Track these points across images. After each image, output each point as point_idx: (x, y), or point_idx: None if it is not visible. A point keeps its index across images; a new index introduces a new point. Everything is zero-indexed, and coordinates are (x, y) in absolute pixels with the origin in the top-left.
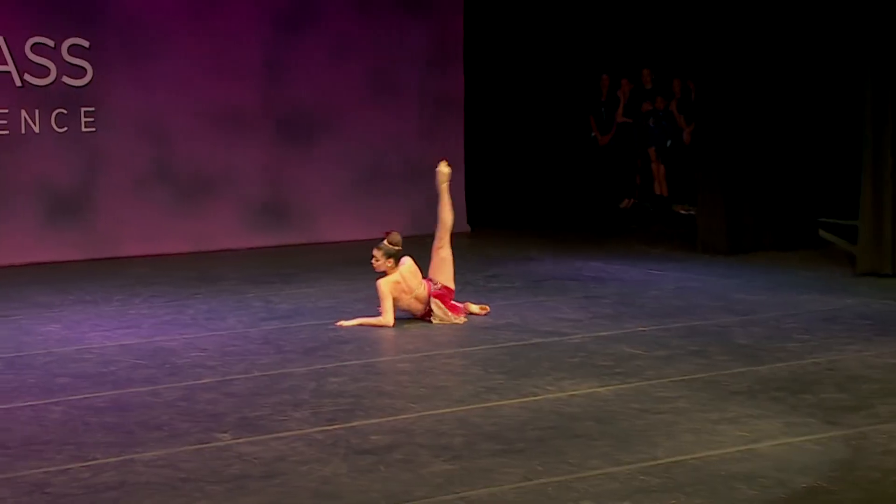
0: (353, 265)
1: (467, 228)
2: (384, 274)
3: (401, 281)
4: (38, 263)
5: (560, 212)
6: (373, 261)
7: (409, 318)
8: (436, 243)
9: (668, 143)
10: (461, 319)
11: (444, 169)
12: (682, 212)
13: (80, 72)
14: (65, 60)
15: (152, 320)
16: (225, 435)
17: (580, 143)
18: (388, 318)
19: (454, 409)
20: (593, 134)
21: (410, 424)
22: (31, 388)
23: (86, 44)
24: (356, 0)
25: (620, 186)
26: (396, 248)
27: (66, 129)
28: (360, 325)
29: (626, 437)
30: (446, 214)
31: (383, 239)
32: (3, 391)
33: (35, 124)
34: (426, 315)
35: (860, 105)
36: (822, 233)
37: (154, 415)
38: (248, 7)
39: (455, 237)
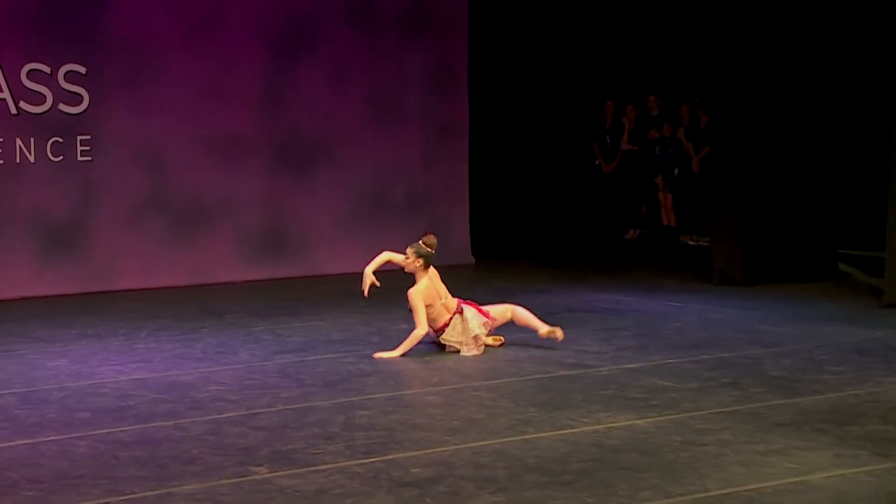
0: (358, 297)
1: (471, 260)
2: (412, 283)
3: (430, 285)
4: (34, 298)
5: (564, 242)
6: (405, 259)
7: (429, 351)
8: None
9: (676, 171)
10: (479, 349)
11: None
12: (691, 242)
13: (77, 99)
14: (61, 87)
15: (162, 354)
16: (261, 468)
17: (584, 172)
18: (422, 327)
19: (492, 442)
20: (597, 162)
21: (449, 457)
22: (53, 422)
23: (82, 70)
24: (355, 22)
25: (626, 216)
26: (429, 250)
27: (61, 157)
28: (403, 354)
29: (673, 469)
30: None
31: (419, 239)
32: (24, 426)
33: (30, 153)
34: (443, 328)
35: (882, 132)
36: (841, 265)
37: (184, 448)
38: (246, 31)
39: (459, 269)
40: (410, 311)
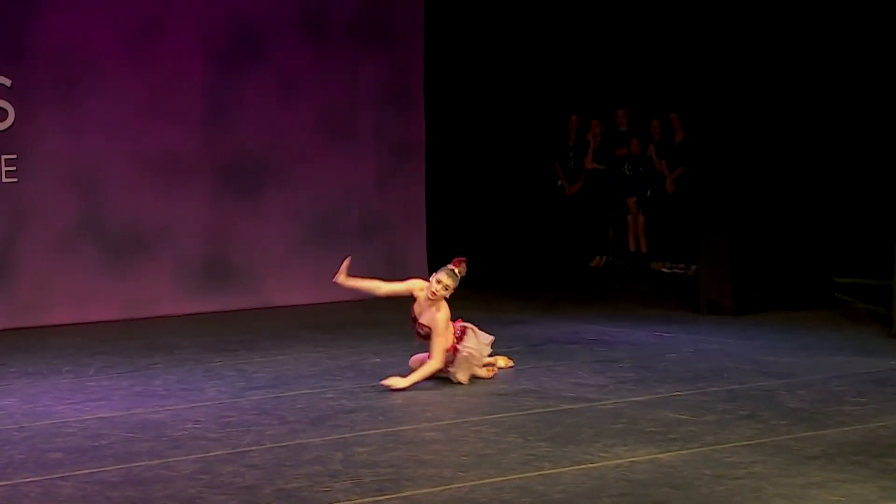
0: (316, 330)
1: None
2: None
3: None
4: None
5: (527, 270)
6: (438, 286)
7: (415, 387)
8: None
9: (649, 192)
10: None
11: None
12: (665, 270)
13: (1, 114)
14: None
15: (120, 392)
16: None
17: (546, 193)
18: (438, 361)
19: (510, 477)
20: (560, 182)
21: (469, 493)
22: (25, 463)
23: (7, 82)
24: (305, 33)
25: (590, 242)
26: (460, 278)
27: None
28: (417, 381)
29: (711, 503)
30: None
31: (453, 268)
32: None
33: None
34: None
35: (886, 149)
36: (838, 295)
37: (179, 488)
38: (188, 41)
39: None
40: (425, 338)
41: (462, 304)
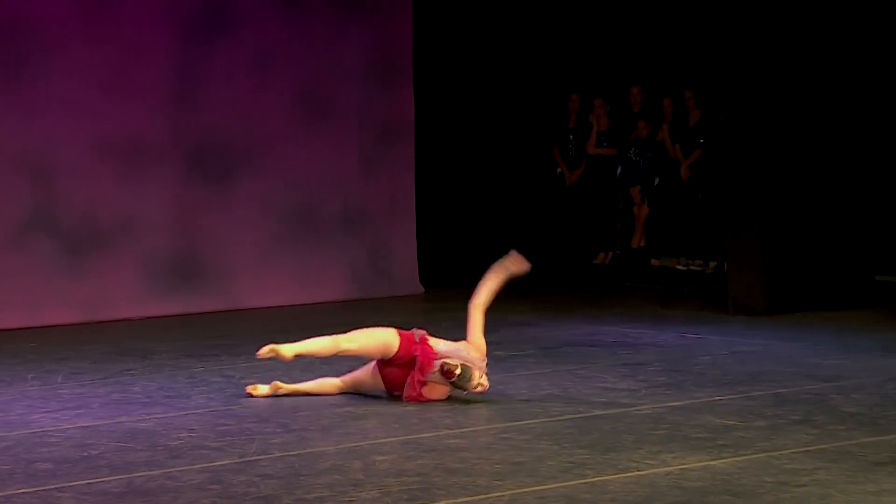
0: (300, 333)
1: (420, 289)
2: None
3: None
4: None
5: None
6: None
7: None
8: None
9: (657, 180)
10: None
11: None
12: (681, 267)
13: None
14: None
15: (98, 399)
16: None
17: (545, 182)
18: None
19: (552, 486)
20: (559, 170)
21: (510, 502)
22: (13, 474)
23: None
24: (282, 2)
25: (595, 236)
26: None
27: None
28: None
29: None
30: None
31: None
32: None
33: None
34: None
35: None
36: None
37: (191, 498)
38: (151, 11)
39: (407, 301)
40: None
41: (454, 304)
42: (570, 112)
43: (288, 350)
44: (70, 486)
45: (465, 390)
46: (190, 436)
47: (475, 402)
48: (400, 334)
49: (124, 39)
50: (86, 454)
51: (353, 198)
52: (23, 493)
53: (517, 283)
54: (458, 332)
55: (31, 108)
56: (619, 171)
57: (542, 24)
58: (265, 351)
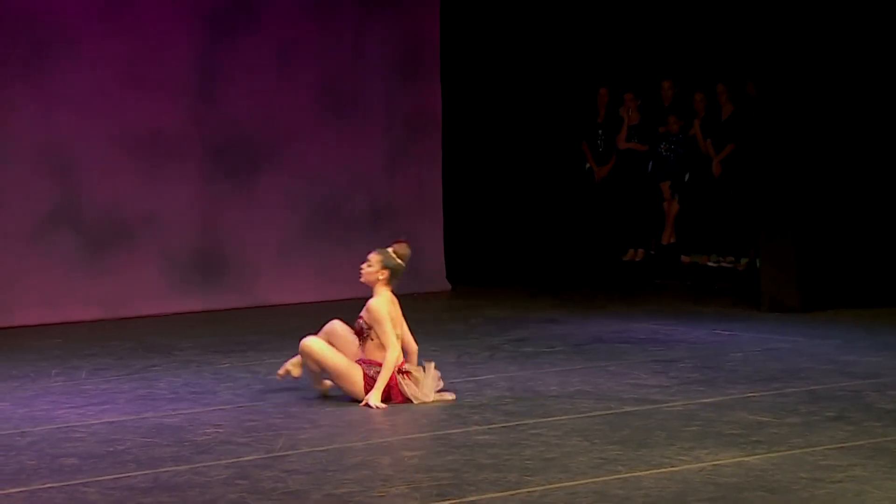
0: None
1: (447, 286)
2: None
3: (393, 306)
4: None
5: (554, 264)
6: (364, 266)
7: (459, 389)
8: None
9: (687, 176)
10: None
11: None
12: (711, 264)
13: None
14: None
15: (123, 395)
16: None
17: (573, 177)
18: (395, 348)
19: (583, 482)
20: (588, 165)
21: (541, 498)
22: (38, 470)
23: None
24: None
25: (625, 233)
26: (400, 262)
27: None
28: (384, 391)
29: None
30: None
31: (387, 248)
32: (5, 474)
33: None
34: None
35: None
36: None
37: (218, 493)
38: (173, 4)
39: (433, 298)
40: (363, 331)
41: (483, 302)
42: (599, 106)
43: (296, 366)
44: (96, 480)
45: None
46: (217, 431)
47: (504, 398)
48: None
49: (145, 33)
50: (112, 449)
51: (379, 193)
52: (49, 487)
53: (545, 281)
54: (485, 328)
55: (51, 101)
56: (650, 166)
57: (572, 17)
58: (282, 371)
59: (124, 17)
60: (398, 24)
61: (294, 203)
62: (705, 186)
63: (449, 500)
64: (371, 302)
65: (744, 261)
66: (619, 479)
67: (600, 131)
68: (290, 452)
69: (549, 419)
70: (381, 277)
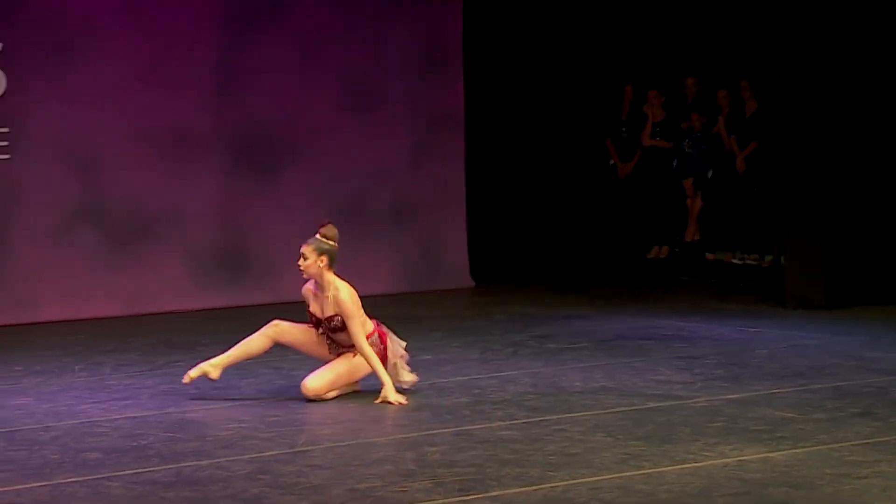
0: None
1: (470, 283)
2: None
3: (352, 290)
4: None
5: (577, 260)
6: (300, 261)
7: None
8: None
9: (710, 173)
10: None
11: None
12: (736, 261)
13: None
14: None
15: (146, 390)
16: None
17: (597, 174)
18: (367, 349)
19: (607, 477)
20: (612, 162)
21: (564, 493)
22: (62, 464)
23: None
24: None
25: (648, 230)
26: (332, 244)
27: None
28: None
29: (838, 502)
30: None
31: (317, 235)
32: (29, 468)
33: None
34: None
35: None
36: None
37: (240, 488)
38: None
39: (457, 295)
40: (332, 332)
41: (507, 299)
42: (624, 103)
43: (215, 367)
44: (119, 475)
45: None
46: (239, 426)
47: (528, 394)
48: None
49: (168, 29)
50: (135, 444)
51: (403, 189)
52: (72, 481)
53: (569, 277)
54: (509, 325)
55: (75, 98)
56: (674, 163)
57: (596, 14)
58: (194, 373)
59: (147, 14)
60: (421, 20)
61: (317, 199)
62: (729, 183)
63: (471, 495)
64: (337, 296)
65: (768, 258)
66: (642, 474)
67: (624, 129)
68: (312, 447)
69: (573, 415)
70: (321, 265)
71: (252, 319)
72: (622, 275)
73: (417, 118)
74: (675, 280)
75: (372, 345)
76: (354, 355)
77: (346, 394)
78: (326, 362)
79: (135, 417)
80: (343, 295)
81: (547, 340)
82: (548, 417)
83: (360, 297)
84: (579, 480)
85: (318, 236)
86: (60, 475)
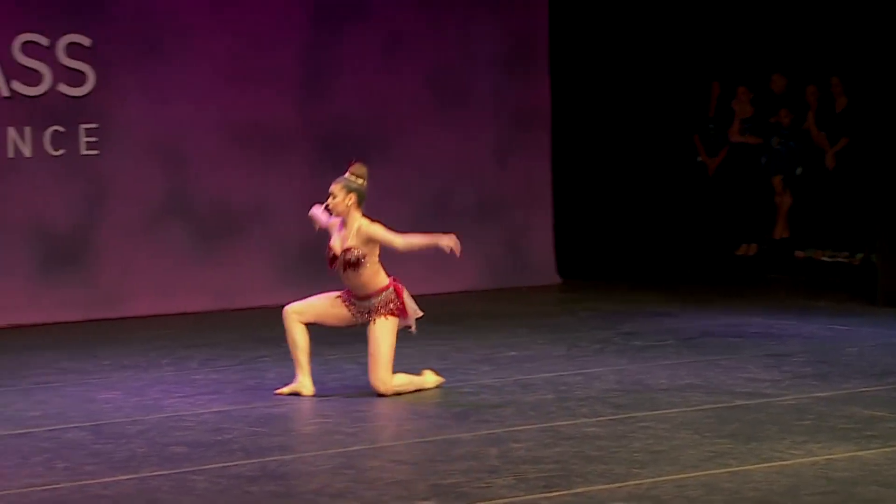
0: (434, 321)
1: (557, 280)
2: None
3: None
4: (26, 326)
5: (665, 257)
6: (329, 200)
7: (569, 382)
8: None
9: (799, 170)
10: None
11: None
12: (826, 259)
13: (80, 78)
14: (61, 63)
15: (232, 385)
16: (428, 502)
17: (685, 170)
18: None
19: (693, 475)
20: (700, 158)
21: (649, 490)
22: (148, 457)
23: (87, 42)
24: None
25: (737, 227)
26: (361, 182)
27: (62, 151)
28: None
29: None
30: None
31: (345, 175)
32: (115, 462)
33: (25, 146)
34: (372, 295)
35: None
36: None
37: (324, 482)
38: None
39: (543, 291)
40: (359, 262)
41: (593, 295)
42: (711, 99)
43: (304, 385)
44: (204, 469)
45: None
46: (324, 421)
47: (613, 391)
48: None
49: (254, 26)
50: (220, 438)
51: (488, 186)
52: (157, 475)
53: (657, 274)
54: (595, 322)
55: (162, 93)
56: (763, 160)
57: (683, 9)
58: (286, 390)
59: (234, 11)
60: (507, 16)
61: (402, 196)
62: (819, 180)
63: (556, 491)
64: (363, 227)
65: (859, 256)
66: (728, 472)
67: (711, 125)
68: (396, 443)
69: (658, 412)
70: (349, 203)
71: None
72: (710, 272)
73: (503, 115)
74: (764, 278)
75: (387, 299)
76: (374, 322)
77: (434, 389)
78: (348, 326)
79: (220, 412)
80: (366, 224)
81: (633, 337)
82: (633, 414)
83: (444, 294)
84: (664, 478)
85: (347, 175)
86: (146, 468)
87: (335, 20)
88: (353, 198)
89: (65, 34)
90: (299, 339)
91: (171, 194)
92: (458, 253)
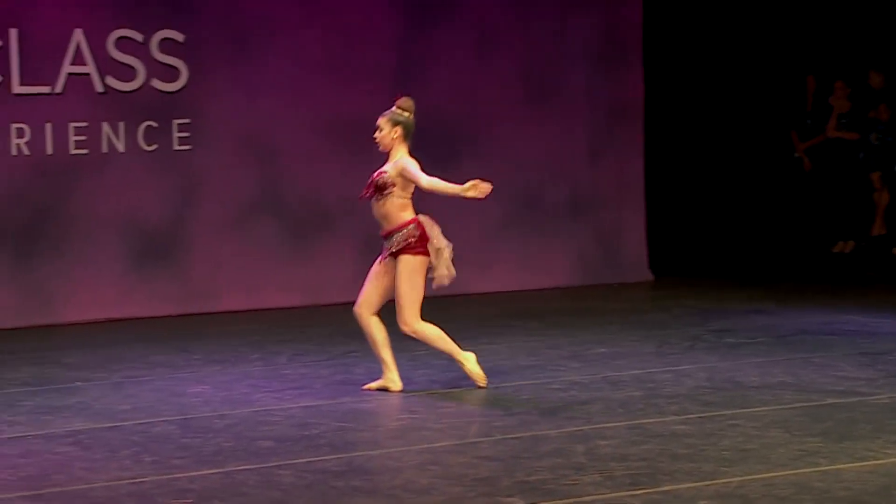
0: (524, 318)
1: (649, 277)
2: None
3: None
4: (120, 320)
5: (760, 255)
6: (376, 134)
7: (659, 379)
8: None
9: None
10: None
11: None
12: None
13: (173, 73)
14: (154, 59)
15: (321, 380)
16: (513, 499)
17: (781, 166)
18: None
19: (782, 473)
20: (797, 154)
21: (738, 489)
22: (235, 451)
23: (180, 38)
24: None
25: (834, 224)
26: (408, 115)
27: (155, 146)
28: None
29: None
30: None
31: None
32: (203, 455)
33: (119, 141)
34: (399, 228)
35: None
36: None
37: (409, 478)
38: None
39: (635, 288)
40: (387, 186)
41: (686, 292)
42: (807, 94)
43: (391, 381)
44: (290, 464)
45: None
46: (411, 417)
47: (703, 388)
48: None
49: (345, 22)
50: (307, 433)
51: (581, 182)
52: (244, 469)
53: (751, 271)
54: (687, 319)
55: (253, 88)
56: (861, 156)
57: (779, 3)
58: (374, 386)
59: (324, 7)
60: (600, 11)
61: (495, 191)
62: None
63: (642, 489)
64: (399, 161)
65: None
66: (819, 471)
67: (808, 120)
68: (482, 439)
69: (749, 410)
70: (395, 136)
71: (429, 311)
72: (805, 269)
73: (596, 110)
74: (861, 275)
75: (408, 235)
76: (397, 260)
77: (521, 385)
78: None
79: (308, 407)
80: (405, 158)
81: (725, 335)
82: (723, 412)
83: (535, 290)
84: (753, 476)
85: (394, 108)
86: (233, 462)
87: (427, 14)
88: (398, 131)
89: (158, 30)
90: (377, 335)
91: (262, 189)
92: (483, 195)
